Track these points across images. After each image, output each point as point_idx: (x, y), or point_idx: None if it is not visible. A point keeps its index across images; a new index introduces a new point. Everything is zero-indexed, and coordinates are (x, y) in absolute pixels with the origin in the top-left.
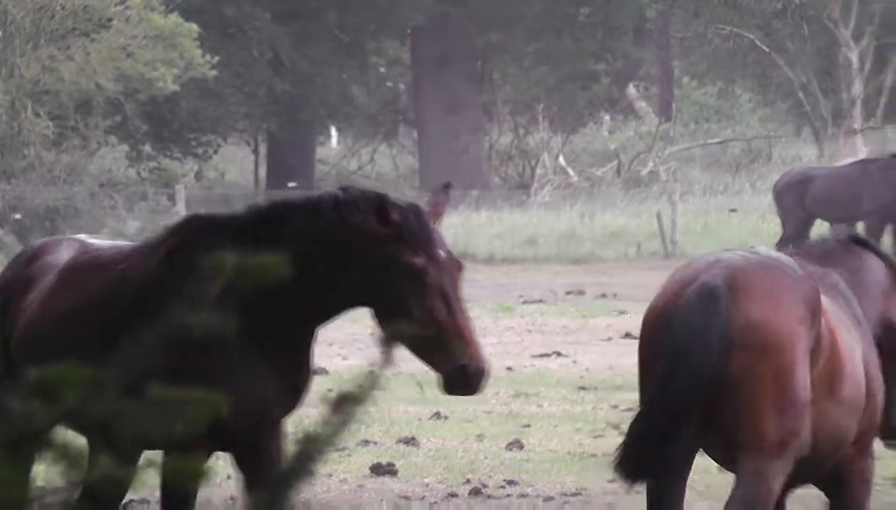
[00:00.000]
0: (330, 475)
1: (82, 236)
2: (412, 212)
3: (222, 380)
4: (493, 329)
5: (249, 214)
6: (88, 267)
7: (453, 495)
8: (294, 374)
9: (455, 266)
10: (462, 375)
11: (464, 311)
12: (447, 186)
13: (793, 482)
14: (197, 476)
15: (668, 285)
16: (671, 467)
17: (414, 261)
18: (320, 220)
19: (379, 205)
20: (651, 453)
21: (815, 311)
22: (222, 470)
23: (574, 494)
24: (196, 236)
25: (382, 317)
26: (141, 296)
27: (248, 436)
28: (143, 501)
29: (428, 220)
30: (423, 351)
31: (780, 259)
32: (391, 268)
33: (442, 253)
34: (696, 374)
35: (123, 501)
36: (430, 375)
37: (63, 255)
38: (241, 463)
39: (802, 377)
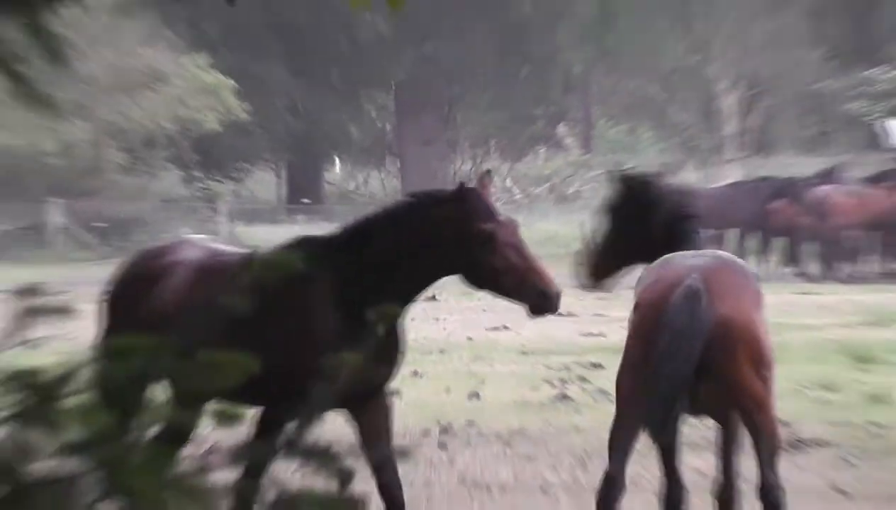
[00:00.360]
0: (334, 417)
1: (202, 237)
2: (470, 191)
3: (342, 346)
4: (457, 308)
5: (344, 231)
6: (221, 268)
7: (427, 433)
8: (393, 345)
9: (514, 223)
10: (544, 299)
11: (531, 254)
12: (489, 172)
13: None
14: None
15: (656, 285)
16: (675, 424)
17: (484, 228)
18: (404, 220)
19: (448, 193)
20: (668, 413)
21: (760, 299)
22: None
23: (518, 431)
24: (308, 250)
25: (472, 278)
26: (267, 295)
27: (361, 395)
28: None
29: (484, 195)
30: (511, 291)
31: (735, 260)
32: (468, 239)
33: (501, 217)
34: (691, 353)
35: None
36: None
37: (188, 253)
38: (357, 417)
39: (767, 344)
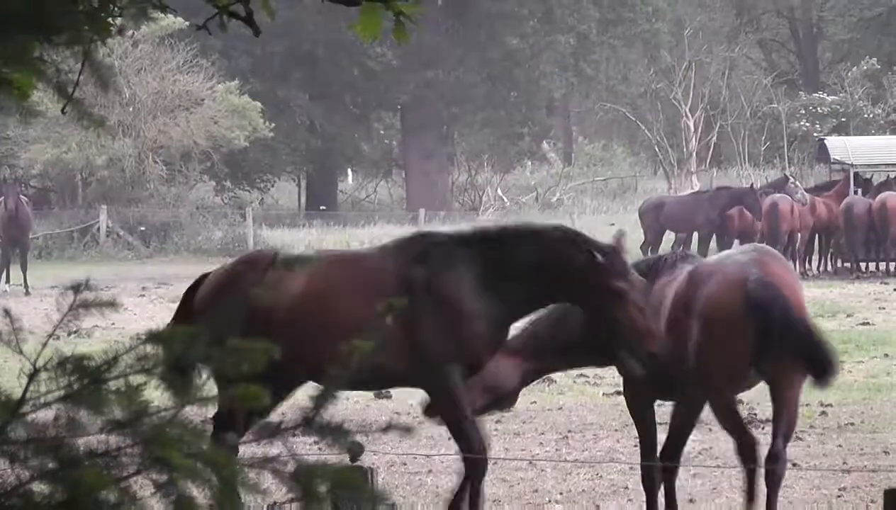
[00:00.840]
0: (347, 398)
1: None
2: (611, 251)
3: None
4: None
5: (476, 232)
6: (342, 261)
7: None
8: (499, 341)
9: (642, 284)
10: (648, 359)
11: (649, 317)
12: (621, 233)
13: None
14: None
15: (726, 280)
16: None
17: (617, 286)
18: (541, 249)
19: (588, 248)
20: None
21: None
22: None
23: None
24: (432, 242)
25: (591, 317)
26: (401, 280)
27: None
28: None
29: (622, 255)
30: (622, 343)
31: (774, 252)
32: (599, 289)
33: (633, 277)
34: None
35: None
36: None
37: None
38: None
39: None
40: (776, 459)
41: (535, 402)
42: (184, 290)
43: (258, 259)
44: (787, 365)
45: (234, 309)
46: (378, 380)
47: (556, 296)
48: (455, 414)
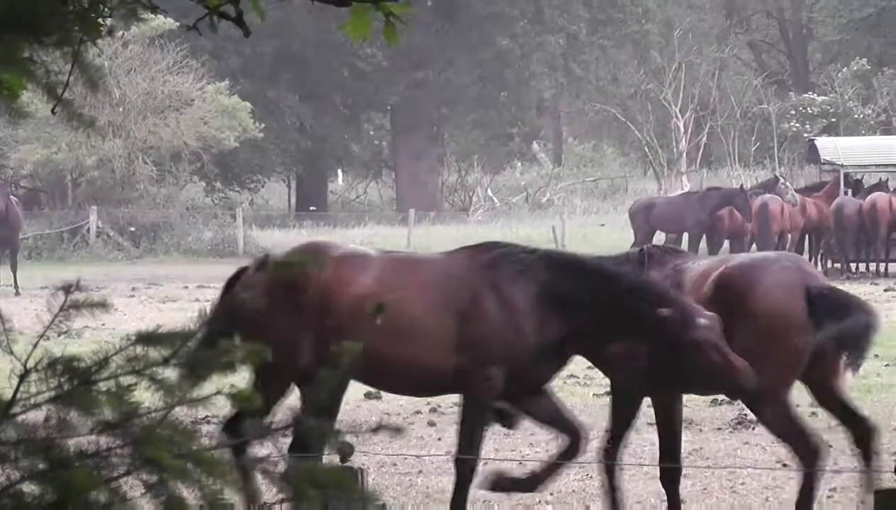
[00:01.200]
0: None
1: (333, 241)
2: (676, 300)
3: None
4: None
5: (544, 253)
6: (410, 264)
7: (419, 412)
8: (550, 366)
9: (715, 321)
10: (741, 390)
11: (728, 353)
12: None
13: None
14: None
15: (790, 288)
16: None
17: (690, 337)
18: (610, 301)
19: (653, 299)
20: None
21: None
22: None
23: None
24: (504, 252)
25: (658, 361)
26: (465, 284)
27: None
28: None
29: (687, 299)
30: (709, 382)
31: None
32: (673, 341)
33: (704, 320)
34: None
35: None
36: None
37: (355, 255)
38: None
39: None
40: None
41: None
42: (173, 290)
43: (315, 254)
44: (829, 365)
45: (290, 308)
46: (424, 383)
47: (624, 340)
48: (475, 420)
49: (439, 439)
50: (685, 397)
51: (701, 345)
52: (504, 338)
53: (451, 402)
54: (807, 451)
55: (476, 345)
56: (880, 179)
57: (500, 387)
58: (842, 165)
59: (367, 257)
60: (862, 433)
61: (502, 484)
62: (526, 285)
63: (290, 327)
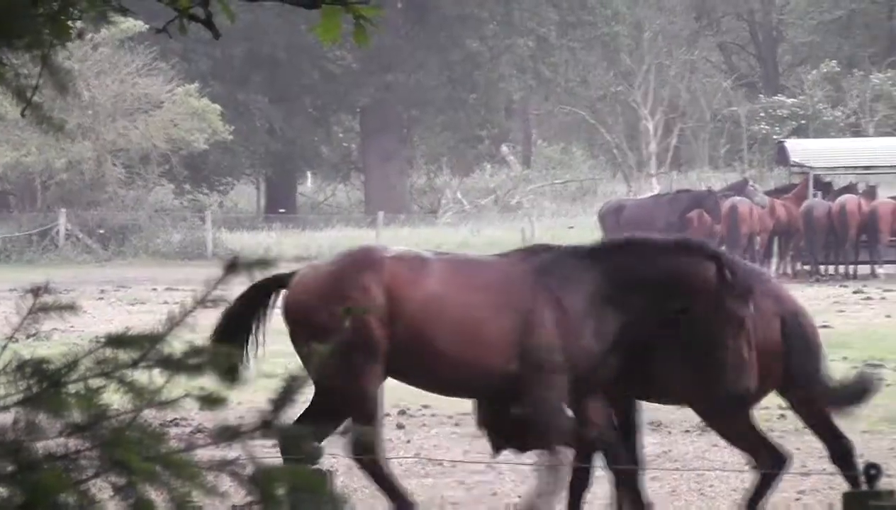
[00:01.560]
0: (306, 402)
1: (381, 244)
2: (742, 275)
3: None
4: None
5: (600, 245)
6: (472, 265)
7: (387, 414)
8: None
9: (751, 316)
10: (739, 394)
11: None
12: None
13: None
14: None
15: (792, 300)
16: None
17: (738, 312)
18: (667, 261)
19: (718, 263)
20: None
21: None
22: None
23: (466, 414)
24: (556, 253)
25: (691, 338)
26: (528, 287)
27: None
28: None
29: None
30: (719, 371)
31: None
32: (718, 312)
33: (752, 308)
34: None
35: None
36: None
37: (414, 257)
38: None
39: None
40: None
41: None
42: (142, 292)
43: (365, 258)
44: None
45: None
46: (485, 384)
47: (673, 313)
48: (549, 424)
49: (408, 442)
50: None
51: (743, 325)
52: (568, 342)
53: (419, 404)
54: (766, 462)
55: (538, 351)
56: (850, 182)
57: (564, 391)
58: (811, 168)
59: (424, 259)
60: (842, 453)
61: None
62: (584, 283)
63: (361, 330)
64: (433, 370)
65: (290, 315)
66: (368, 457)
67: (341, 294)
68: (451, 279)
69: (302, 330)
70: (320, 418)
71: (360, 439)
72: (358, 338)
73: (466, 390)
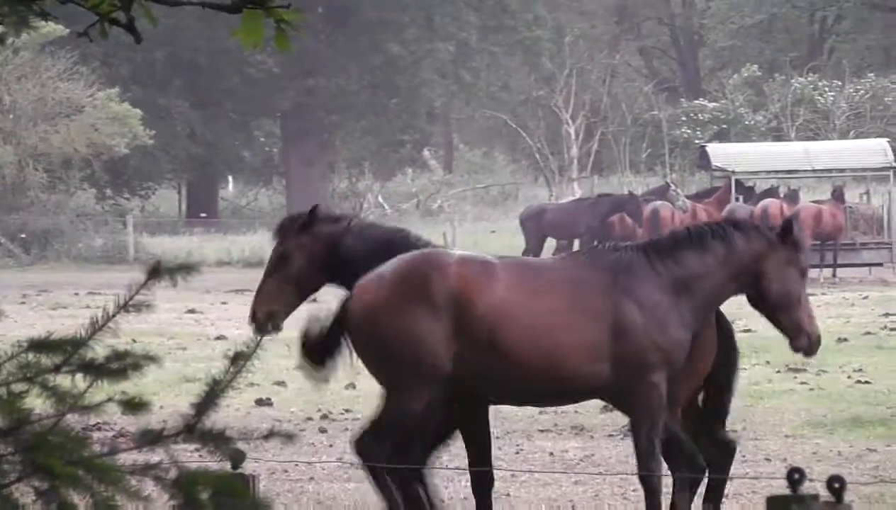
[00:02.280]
0: (227, 406)
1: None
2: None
3: None
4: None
5: (669, 237)
6: (536, 268)
7: (310, 418)
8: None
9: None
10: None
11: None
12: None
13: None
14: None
15: None
16: None
17: (804, 264)
18: (724, 241)
19: (785, 227)
20: None
21: None
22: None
23: None
24: (618, 251)
25: (768, 299)
26: (603, 289)
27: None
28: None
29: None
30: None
31: None
32: (789, 269)
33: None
34: None
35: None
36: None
37: (479, 260)
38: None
39: None
40: None
41: None
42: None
43: (431, 261)
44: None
45: (424, 317)
46: (564, 391)
47: (741, 288)
48: (647, 428)
49: (330, 446)
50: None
51: (805, 272)
52: (656, 340)
53: (342, 409)
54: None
55: (631, 355)
56: (771, 185)
57: (663, 391)
58: (733, 172)
59: (492, 262)
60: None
61: None
62: (655, 279)
63: (428, 332)
64: (510, 378)
65: (355, 323)
66: (373, 470)
67: (406, 302)
68: (523, 284)
69: (366, 339)
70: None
71: (371, 450)
72: (416, 351)
73: (543, 398)
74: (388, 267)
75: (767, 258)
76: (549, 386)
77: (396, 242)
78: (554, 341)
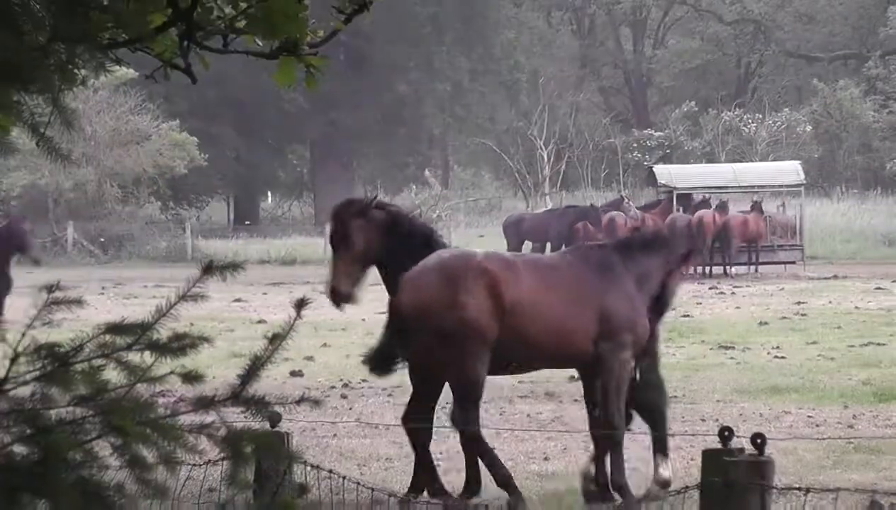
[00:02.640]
0: (267, 377)
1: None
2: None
3: None
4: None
5: (633, 241)
6: (545, 266)
7: (333, 387)
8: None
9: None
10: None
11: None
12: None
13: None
14: (197, 379)
15: None
16: None
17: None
18: (664, 246)
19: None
20: None
21: None
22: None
23: (398, 386)
24: (603, 251)
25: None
26: (597, 275)
27: None
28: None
29: None
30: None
31: None
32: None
33: None
34: None
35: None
36: (323, 321)
37: (505, 258)
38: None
39: None
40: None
41: None
42: (135, 289)
43: (467, 262)
44: None
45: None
46: (566, 361)
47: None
48: (616, 395)
49: (350, 409)
50: (549, 372)
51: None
52: (632, 324)
53: (359, 379)
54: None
55: (611, 333)
56: (703, 197)
57: (631, 366)
58: (674, 187)
59: (512, 261)
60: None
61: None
62: (628, 276)
63: (478, 312)
64: (533, 354)
65: (417, 314)
66: (471, 435)
67: (453, 294)
68: (537, 280)
69: (430, 325)
70: (424, 402)
71: (465, 420)
72: (471, 330)
73: (549, 365)
74: (433, 264)
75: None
76: (554, 359)
77: (434, 237)
78: (562, 327)
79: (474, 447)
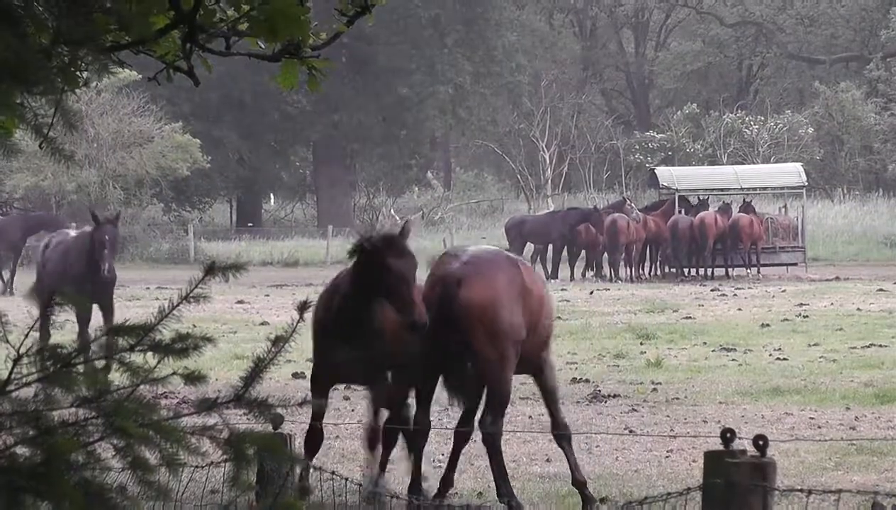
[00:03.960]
0: (269, 378)
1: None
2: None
3: None
4: None
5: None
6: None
7: (336, 389)
8: None
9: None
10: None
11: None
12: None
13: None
14: (199, 379)
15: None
16: None
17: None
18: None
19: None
20: None
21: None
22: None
23: None
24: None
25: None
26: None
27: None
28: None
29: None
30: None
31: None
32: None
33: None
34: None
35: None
36: None
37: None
38: None
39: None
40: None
41: None
42: (138, 290)
43: (516, 261)
44: None
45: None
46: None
47: None
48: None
49: (352, 410)
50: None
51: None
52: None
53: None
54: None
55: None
56: (699, 198)
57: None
58: (676, 189)
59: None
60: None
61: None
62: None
63: (518, 314)
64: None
65: (478, 311)
66: (496, 442)
67: (509, 293)
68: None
69: (482, 326)
70: (424, 404)
71: (497, 424)
72: (519, 333)
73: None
74: (494, 260)
75: None
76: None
77: None
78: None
79: (494, 451)
